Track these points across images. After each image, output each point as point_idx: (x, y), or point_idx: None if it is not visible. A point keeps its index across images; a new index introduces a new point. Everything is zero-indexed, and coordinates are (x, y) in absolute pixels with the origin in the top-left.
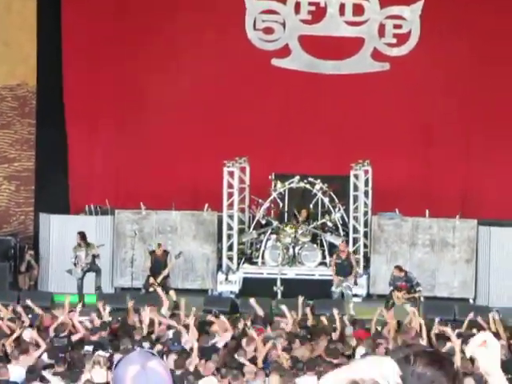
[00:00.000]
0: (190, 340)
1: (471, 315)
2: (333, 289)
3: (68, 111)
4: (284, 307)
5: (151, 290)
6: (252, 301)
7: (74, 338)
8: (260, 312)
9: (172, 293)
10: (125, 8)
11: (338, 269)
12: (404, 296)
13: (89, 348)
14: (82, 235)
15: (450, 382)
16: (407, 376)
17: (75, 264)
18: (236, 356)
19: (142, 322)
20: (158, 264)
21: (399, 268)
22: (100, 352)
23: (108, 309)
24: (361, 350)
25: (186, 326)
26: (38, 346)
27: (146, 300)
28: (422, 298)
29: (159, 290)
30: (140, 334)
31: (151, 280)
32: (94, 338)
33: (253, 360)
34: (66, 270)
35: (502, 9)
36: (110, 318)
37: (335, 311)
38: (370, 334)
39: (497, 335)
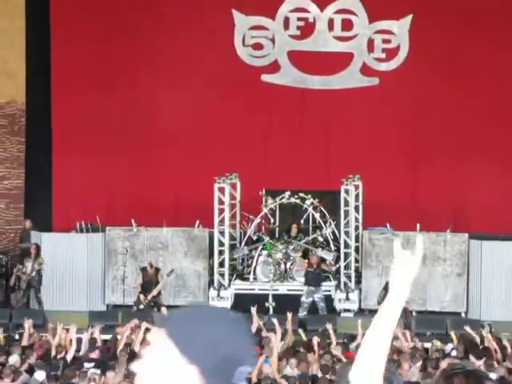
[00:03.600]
0: None
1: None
2: (303, 299)
3: (55, 130)
4: (275, 320)
5: (141, 307)
6: (253, 310)
7: (69, 356)
8: (255, 324)
9: (164, 310)
10: (114, 30)
11: (309, 278)
12: None
13: (88, 365)
14: (37, 248)
15: None
16: None
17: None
18: None
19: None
20: (150, 281)
21: None
22: (93, 369)
23: (98, 327)
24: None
25: None
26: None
27: (137, 317)
28: (413, 313)
29: None
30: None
31: (142, 297)
32: (94, 355)
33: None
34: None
35: (490, 25)
36: (102, 336)
37: (329, 326)
38: None
39: (489, 350)
